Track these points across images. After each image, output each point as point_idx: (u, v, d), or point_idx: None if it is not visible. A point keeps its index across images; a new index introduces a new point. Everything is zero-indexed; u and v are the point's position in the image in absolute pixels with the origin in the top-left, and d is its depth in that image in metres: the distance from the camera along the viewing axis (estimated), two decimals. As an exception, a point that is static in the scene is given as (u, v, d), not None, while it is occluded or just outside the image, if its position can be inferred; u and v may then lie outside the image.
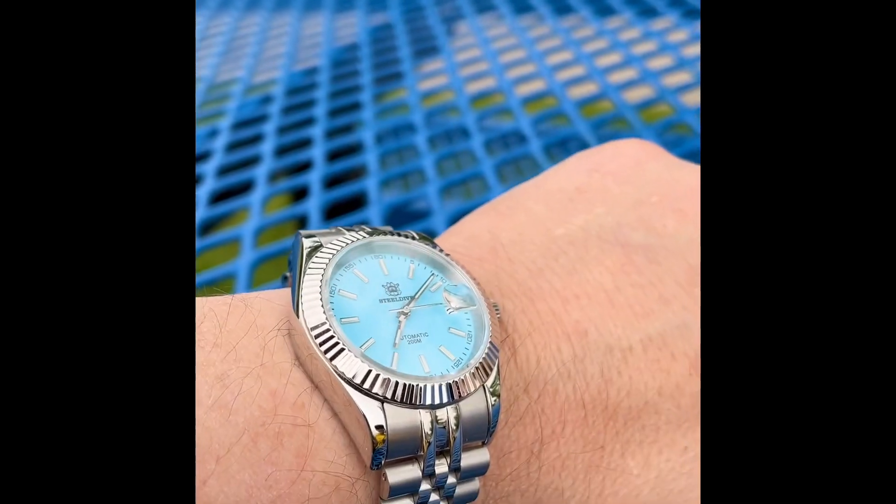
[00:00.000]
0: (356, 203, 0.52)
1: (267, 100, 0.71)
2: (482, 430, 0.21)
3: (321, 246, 0.23)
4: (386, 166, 0.56)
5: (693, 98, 0.60)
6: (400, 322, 0.22)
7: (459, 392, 0.20)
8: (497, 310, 0.23)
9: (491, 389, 0.21)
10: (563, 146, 0.56)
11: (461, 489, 0.21)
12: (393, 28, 0.85)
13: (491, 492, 0.22)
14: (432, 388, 0.20)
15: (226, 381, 0.19)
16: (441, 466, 0.20)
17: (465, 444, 0.21)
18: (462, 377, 0.21)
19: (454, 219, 0.45)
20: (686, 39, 0.70)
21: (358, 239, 0.23)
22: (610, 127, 0.60)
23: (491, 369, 0.21)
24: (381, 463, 0.19)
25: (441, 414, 0.20)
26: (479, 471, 0.21)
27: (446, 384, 0.20)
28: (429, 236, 0.25)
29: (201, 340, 0.20)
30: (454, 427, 0.20)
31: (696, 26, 0.73)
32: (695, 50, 0.68)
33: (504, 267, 0.25)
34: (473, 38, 0.80)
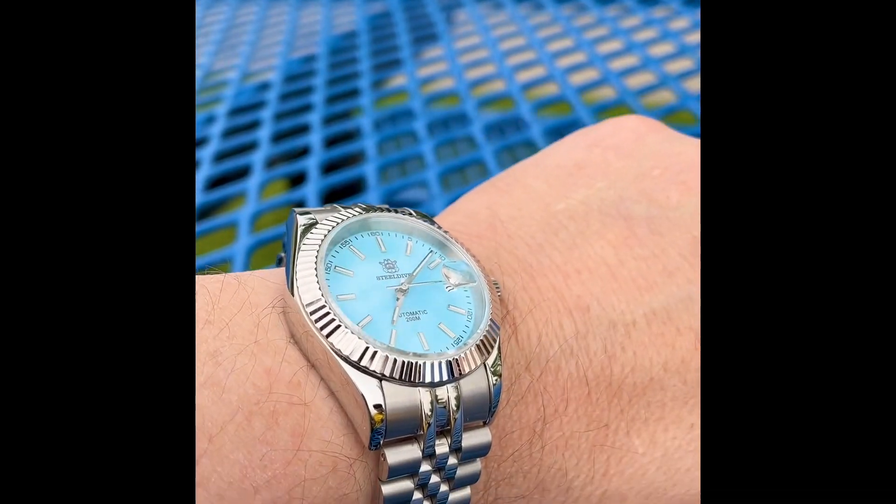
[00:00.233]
0: (354, 189, 0.52)
1: (264, 87, 0.70)
2: (483, 410, 0.20)
3: (316, 223, 0.22)
4: (384, 152, 0.55)
5: (695, 84, 0.59)
6: (398, 299, 0.21)
7: (460, 370, 0.20)
8: (497, 287, 0.22)
9: (492, 369, 0.20)
10: (564, 132, 0.55)
11: (462, 470, 0.20)
12: (391, 16, 0.84)
13: (493, 473, 0.21)
14: (432, 365, 0.20)
15: (218, 359, 0.19)
16: (441, 447, 0.20)
17: (465, 424, 0.20)
18: (462, 355, 0.20)
19: (453, 204, 0.44)
20: (687, 27, 0.70)
21: (354, 215, 0.22)
22: (611, 113, 0.59)
23: (492, 347, 0.21)
24: (379, 443, 0.19)
25: (441, 392, 0.20)
26: (481, 451, 0.20)
27: (446, 361, 0.20)
28: (426, 214, 0.24)
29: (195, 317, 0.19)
30: (455, 406, 0.20)
31: (697, 14, 0.72)
32: (696, 37, 0.67)
33: (503, 243, 0.24)
34: (473, 26, 0.79)
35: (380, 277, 0.21)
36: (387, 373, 0.19)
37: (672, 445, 0.22)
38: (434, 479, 0.20)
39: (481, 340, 0.21)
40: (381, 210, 0.23)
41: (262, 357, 0.19)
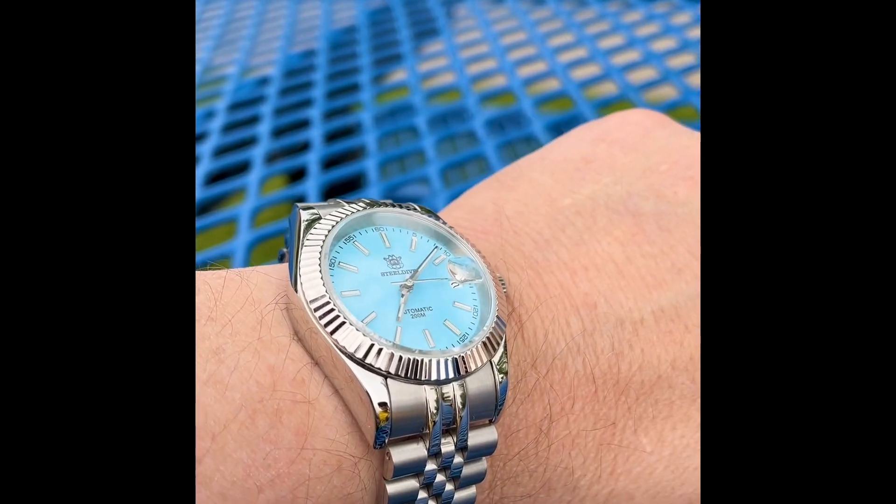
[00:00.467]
0: (354, 184, 0.51)
1: (264, 82, 0.70)
2: (489, 408, 0.20)
3: (319, 218, 0.22)
4: (385, 147, 0.55)
5: (697, 80, 0.59)
6: (403, 295, 0.21)
7: (466, 367, 0.20)
8: (503, 284, 0.22)
9: (498, 366, 0.20)
10: (565, 128, 0.55)
11: (468, 469, 0.20)
12: (392, 10, 0.84)
13: (498, 472, 0.21)
14: (437, 362, 0.19)
15: (221, 356, 0.18)
16: (447, 445, 0.20)
17: (471, 423, 0.20)
18: (468, 352, 0.20)
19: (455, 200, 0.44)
20: (689, 22, 0.69)
21: (358, 210, 0.22)
22: (613, 109, 0.59)
23: (498, 344, 0.20)
24: (384, 442, 0.19)
25: (447, 390, 0.19)
26: (487, 450, 0.20)
27: (452, 359, 0.19)
28: (431, 210, 0.24)
29: (195, 314, 0.19)
30: (460, 404, 0.19)
31: (699, 9, 0.72)
32: (698, 32, 0.67)
33: (509, 239, 0.24)
34: (474, 21, 0.79)
35: (384, 273, 0.21)
36: (392, 370, 0.19)
37: (680, 444, 0.22)
38: (439, 477, 0.20)
39: (487, 338, 0.20)
40: (386, 205, 0.23)
41: (265, 354, 0.19)
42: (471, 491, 0.21)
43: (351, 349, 0.19)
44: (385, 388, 0.19)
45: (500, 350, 0.20)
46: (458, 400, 0.19)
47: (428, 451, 0.19)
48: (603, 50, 0.66)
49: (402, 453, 0.19)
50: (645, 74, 0.61)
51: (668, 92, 0.58)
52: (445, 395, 0.19)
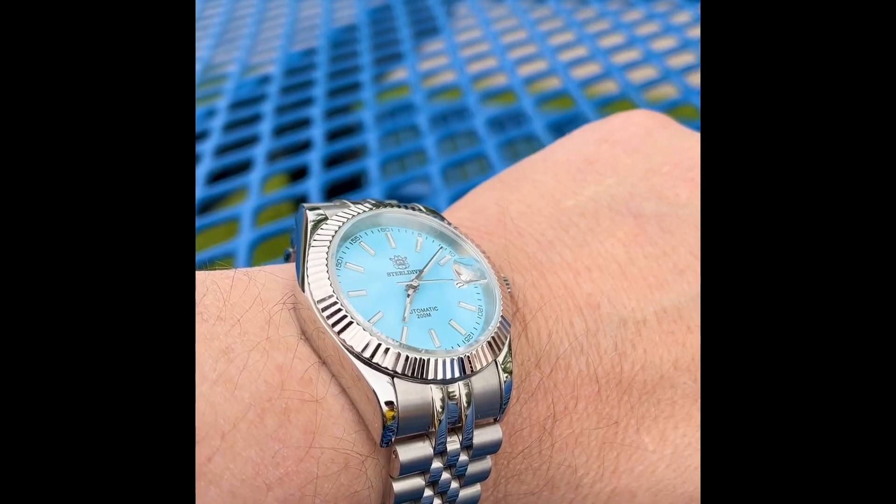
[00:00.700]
0: (356, 183, 0.52)
1: (265, 80, 0.70)
2: (494, 407, 0.20)
3: (326, 218, 0.22)
4: (386, 146, 0.55)
5: (697, 79, 0.59)
6: (409, 296, 0.21)
7: (471, 367, 0.20)
8: (507, 284, 0.22)
9: (503, 366, 0.20)
10: (566, 127, 0.55)
11: (473, 467, 0.20)
12: (392, 9, 0.84)
13: (502, 470, 0.21)
14: (443, 362, 0.19)
15: (230, 355, 0.18)
16: (453, 444, 0.20)
17: (476, 421, 0.20)
18: (473, 352, 0.20)
19: (456, 199, 0.44)
20: (689, 21, 0.70)
21: (364, 211, 0.22)
22: (614, 107, 0.59)
23: (503, 344, 0.21)
24: (391, 440, 0.19)
25: (453, 389, 0.19)
26: (492, 448, 0.20)
27: (457, 358, 0.20)
28: (436, 210, 0.24)
29: (204, 313, 0.19)
30: (466, 403, 0.20)
31: (699, 8, 0.72)
32: (698, 32, 0.67)
33: (513, 240, 0.24)
34: (474, 19, 0.79)
35: (390, 274, 0.21)
36: (398, 369, 0.19)
37: (682, 443, 0.22)
38: (445, 475, 0.20)
39: (492, 337, 0.21)
40: (391, 206, 0.23)
41: (273, 354, 0.19)
42: (475, 489, 0.21)
43: (358, 348, 0.19)
44: (392, 387, 0.19)
45: (505, 350, 0.21)
46: (464, 399, 0.20)
47: (434, 449, 0.20)
48: (603, 49, 0.66)
49: (409, 451, 0.19)
50: (645, 73, 0.61)
51: (668, 91, 0.58)
52: (451, 394, 0.19)
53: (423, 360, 0.19)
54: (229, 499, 0.17)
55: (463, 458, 0.20)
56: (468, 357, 0.20)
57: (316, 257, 0.21)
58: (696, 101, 0.55)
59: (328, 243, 0.21)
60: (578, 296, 0.22)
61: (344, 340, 0.19)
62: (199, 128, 0.61)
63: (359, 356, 0.19)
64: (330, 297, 0.20)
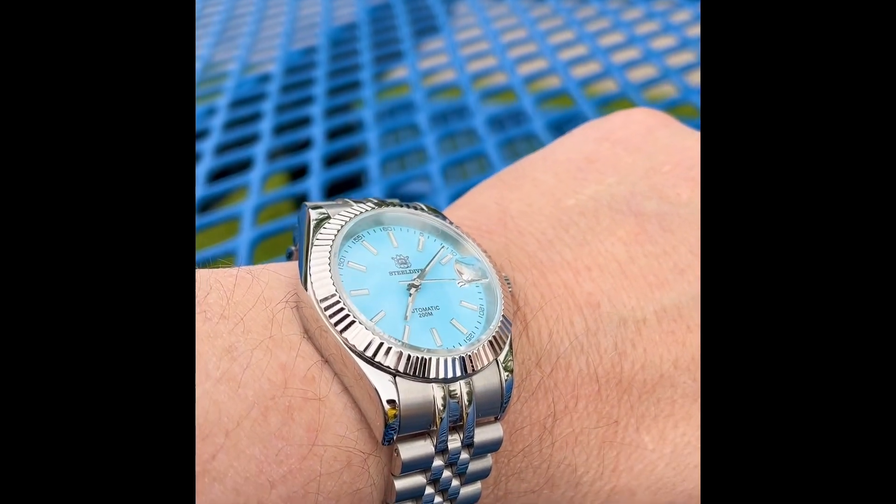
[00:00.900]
0: (356, 182, 0.52)
1: (265, 78, 0.70)
2: (495, 406, 0.20)
3: (328, 217, 0.22)
4: (386, 145, 0.55)
5: (697, 78, 0.60)
6: (410, 295, 0.21)
7: (473, 366, 0.20)
8: (508, 283, 0.22)
9: (504, 365, 0.21)
10: (566, 126, 0.55)
11: (474, 465, 0.20)
12: (392, 7, 0.84)
13: (503, 468, 0.21)
14: (445, 361, 0.20)
15: (234, 354, 0.19)
16: (454, 442, 0.20)
17: (477, 420, 0.20)
18: (475, 351, 0.20)
19: (456, 198, 0.44)
20: (688, 20, 0.70)
21: (366, 210, 0.22)
22: (614, 106, 0.59)
23: (504, 343, 0.21)
24: (392, 438, 0.19)
25: (454, 388, 0.20)
26: (493, 447, 0.20)
27: (459, 357, 0.20)
28: (437, 209, 0.24)
29: (208, 312, 0.19)
30: (467, 402, 0.20)
31: (698, 7, 0.72)
32: (698, 31, 0.67)
33: (514, 239, 0.24)
34: (474, 18, 0.79)
35: (392, 273, 0.21)
36: (400, 368, 0.19)
37: (681, 441, 0.22)
38: (446, 473, 0.20)
39: (493, 337, 0.21)
40: (393, 205, 0.23)
41: (276, 352, 0.19)
42: (476, 486, 0.21)
43: (360, 347, 0.19)
44: (394, 386, 0.19)
45: (506, 349, 0.21)
46: (465, 398, 0.20)
47: (435, 447, 0.20)
48: (603, 48, 0.66)
49: (411, 450, 0.19)
50: (645, 72, 0.62)
51: (667, 90, 0.58)
52: (452, 393, 0.20)
53: (425, 359, 0.19)
54: (233, 496, 0.17)
55: (464, 456, 0.20)
56: (469, 356, 0.20)
57: (318, 256, 0.21)
58: (696, 100, 0.55)
59: (331, 242, 0.21)
60: (579, 295, 0.23)
61: (346, 339, 0.19)
62: (199, 126, 0.61)
63: (361, 355, 0.19)
64: (332, 295, 0.20)
